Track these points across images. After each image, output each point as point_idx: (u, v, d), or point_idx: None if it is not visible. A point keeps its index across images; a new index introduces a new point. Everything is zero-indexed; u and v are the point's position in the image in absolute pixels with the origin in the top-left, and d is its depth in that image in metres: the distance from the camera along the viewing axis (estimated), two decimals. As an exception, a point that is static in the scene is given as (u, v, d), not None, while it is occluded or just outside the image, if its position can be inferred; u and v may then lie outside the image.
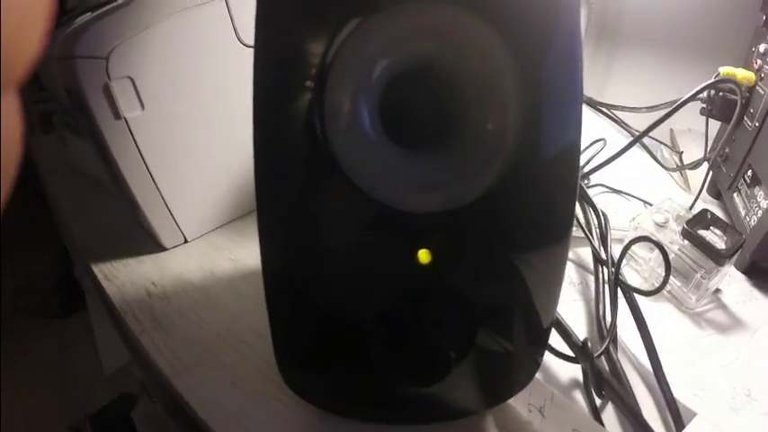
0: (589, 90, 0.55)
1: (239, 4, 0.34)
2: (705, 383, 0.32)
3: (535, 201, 0.22)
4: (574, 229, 0.40)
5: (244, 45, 0.35)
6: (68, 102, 0.36)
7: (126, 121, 0.32)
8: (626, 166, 0.47)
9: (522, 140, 0.20)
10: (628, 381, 0.31)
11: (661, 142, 0.48)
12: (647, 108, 0.44)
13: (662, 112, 0.41)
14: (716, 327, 0.37)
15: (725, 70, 0.42)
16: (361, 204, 0.20)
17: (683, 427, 0.30)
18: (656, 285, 0.33)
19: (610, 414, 0.30)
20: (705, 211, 0.39)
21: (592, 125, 0.50)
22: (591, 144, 0.44)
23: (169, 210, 0.36)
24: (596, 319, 0.34)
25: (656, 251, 0.38)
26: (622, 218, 0.41)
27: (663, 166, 0.46)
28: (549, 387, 0.28)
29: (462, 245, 0.22)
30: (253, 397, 0.28)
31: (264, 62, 0.19)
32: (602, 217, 0.38)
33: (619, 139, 0.40)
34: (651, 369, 0.32)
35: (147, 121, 0.33)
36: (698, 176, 0.43)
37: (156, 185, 0.34)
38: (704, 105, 0.44)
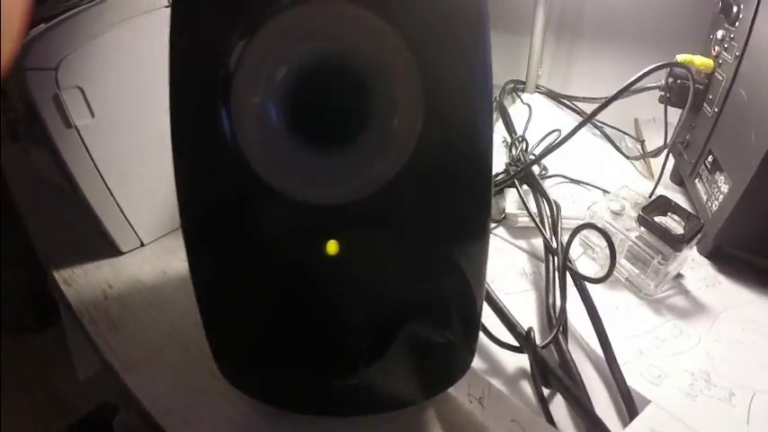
0: (552, 83, 0.55)
1: (184, 11, 0.35)
2: (662, 370, 0.32)
3: (443, 193, 0.22)
4: (526, 219, 0.40)
5: (190, 51, 0.35)
6: (24, 111, 0.37)
7: (77, 130, 0.33)
8: (588, 157, 0.47)
9: (425, 137, 0.20)
10: (577, 370, 0.31)
11: (625, 132, 0.48)
12: (606, 98, 0.43)
13: (622, 102, 0.41)
14: (676, 313, 0.36)
15: (682, 57, 0.42)
16: (272, 199, 0.21)
17: (637, 414, 0.30)
18: (615, 274, 0.32)
19: (560, 404, 0.30)
20: (663, 197, 0.38)
21: (552, 118, 0.50)
22: (546, 135, 0.44)
23: (124, 214, 0.36)
24: (545, 309, 0.33)
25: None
26: (581, 207, 0.41)
27: (624, 155, 0.46)
28: (486, 378, 0.28)
29: (371, 236, 0.22)
30: (196, 393, 0.29)
31: (177, 69, 0.20)
32: (554, 206, 0.38)
33: (582, 131, 0.40)
34: (604, 357, 0.32)
35: (97, 129, 0.34)
36: (661, 165, 0.43)
37: (110, 191, 0.35)
38: (662, 93, 0.44)
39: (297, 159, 0.21)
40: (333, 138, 0.21)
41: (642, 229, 0.37)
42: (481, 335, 0.28)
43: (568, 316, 0.33)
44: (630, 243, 0.37)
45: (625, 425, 0.29)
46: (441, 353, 0.26)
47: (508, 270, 0.38)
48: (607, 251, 0.38)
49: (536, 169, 0.43)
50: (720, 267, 0.40)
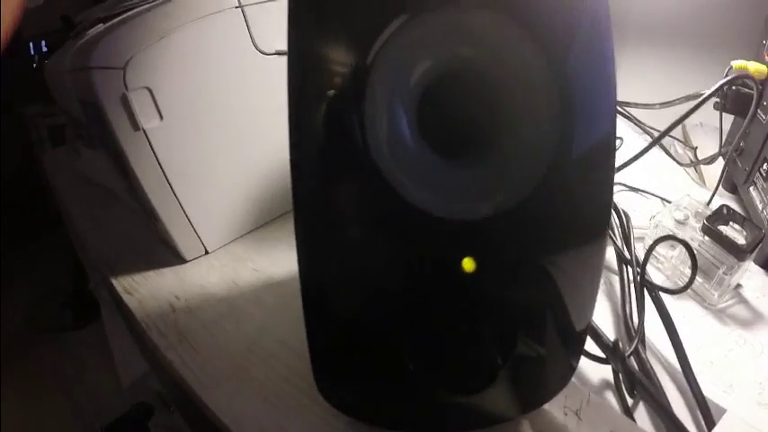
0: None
1: (255, 13, 0.33)
2: (732, 379, 0.32)
3: (572, 204, 0.22)
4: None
5: (260, 53, 0.34)
6: (83, 114, 0.35)
7: (145, 132, 0.32)
8: (641, 164, 0.47)
9: (556, 147, 0.20)
10: (658, 379, 0.31)
11: (674, 137, 0.48)
12: (660, 104, 0.43)
13: (675, 108, 0.41)
14: (739, 322, 0.37)
15: (737, 63, 0.42)
16: (400, 211, 0.20)
17: (714, 423, 0.30)
18: (679, 283, 0.33)
19: (641, 414, 0.30)
20: (723, 206, 0.39)
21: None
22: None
23: (189, 221, 0.35)
24: (623, 320, 0.34)
25: (678, 249, 0.38)
26: (641, 216, 0.41)
27: (678, 162, 0.46)
28: (585, 389, 0.28)
29: (501, 252, 0.22)
30: (286, 411, 0.28)
31: (297, 69, 0.19)
32: (623, 216, 0.38)
33: (633, 136, 0.40)
34: (679, 367, 0.32)
35: (165, 132, 0.32)
36: (713, 171, 0.43)
37: (176, 196, 0.34)
38: (717, 100, 0.44)
39: (427, 169, 0.20)
40: (465, 150, 0.21)
41: (705, 238, 0.37)
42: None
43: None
44: (696, 253, 0.38)
45: (704, 433, 0.29)
46: (544, 368, 0.25)
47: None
48: (674, 261, 0.38)
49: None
50: (776, 277, 0.40)
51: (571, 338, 0.25)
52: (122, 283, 0.36)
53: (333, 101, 0.19)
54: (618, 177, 0.44)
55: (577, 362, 0.26)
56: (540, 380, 0.26)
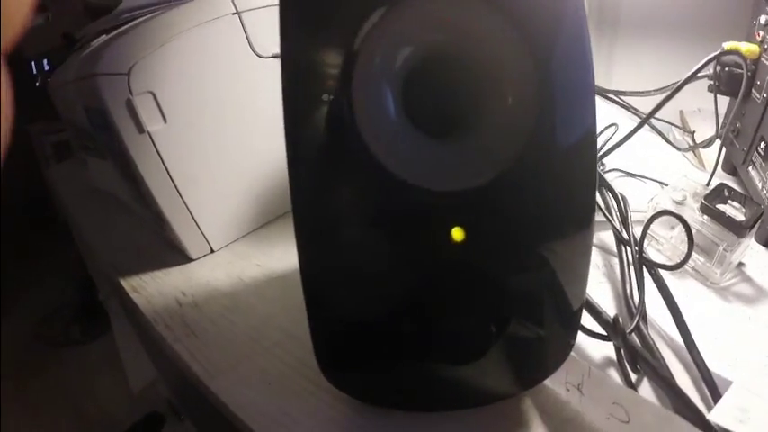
0: (596, 78, 0.56)
1: (252, 17, 0.36)
2: (737, 354, 0.33)
3: (556, 181, 0.23)
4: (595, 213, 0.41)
5: (258, 56, 0.36)
6: (88, 121, 0.37)
7: (150, 135, 0.34)
8: (639, 150, 0.48)
9: (535, 125, 0.21)
10: (661, 355, 0.31)
11: (672, 124, 0.49)
12: (654, 91, 0.45)
13: (666, 93, 0.42)
14: (742, 299, 0.37)
15: (728, 45, 0.43)
16: (389, 187, 0.21)
17: (720, 396, 0.30)
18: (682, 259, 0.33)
19: (645, 389, 0.31)
20: (722, 185, 0.39)
21: (602, 112, 0.50)
22: (604, 129, 0.45)
23: (195, 221, 0.37)
24: (624, 299, 0.34)
25: (677, 228, 0.39)
26: (640, 200, 0.42)
27: (675, 147, 0.47)
28: (585, 363, 0.29)
29: (489, 225, 0.23)
30: (290, 396, 0.29)
31: (291, 62, 0.21)
32: (620, 199, 0.39)
33: (630, 124, 0.41)
34: (683, 343, 0.33)
35: (169, 134, 0.34)
36: (711, 155, 0.44)
37: (182, 197, 0.36)
38: (711, 82, 0.45)
39: (412, 143, 0.22)
40: (448, 126, 0.22)
41: (705, 217, 0.38)
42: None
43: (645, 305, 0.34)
44: (695, 232, 0.38)
45: (708, 406, 0.29)
46: (541, 344, 0.26)
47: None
48: (673, 241, 0.39)
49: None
50: (778, 254, 0.41)
51: (566, 315, 0.26)
52: (130, 283, 0.37)
53: (323, 87, 0.21)
54: (616, 164, 0.45)
55: (575, 337, 0.27)
56: (539, 356, 0.27)
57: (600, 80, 0.56)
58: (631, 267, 0.35)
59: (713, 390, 0.30)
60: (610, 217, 0.37)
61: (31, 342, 0.85)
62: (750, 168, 0.44)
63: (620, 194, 0.39)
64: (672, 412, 0.28)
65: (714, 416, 0.27)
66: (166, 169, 0.35)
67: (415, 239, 0.23)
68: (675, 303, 0.33)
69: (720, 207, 0.38)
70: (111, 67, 0.33)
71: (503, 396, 0.28)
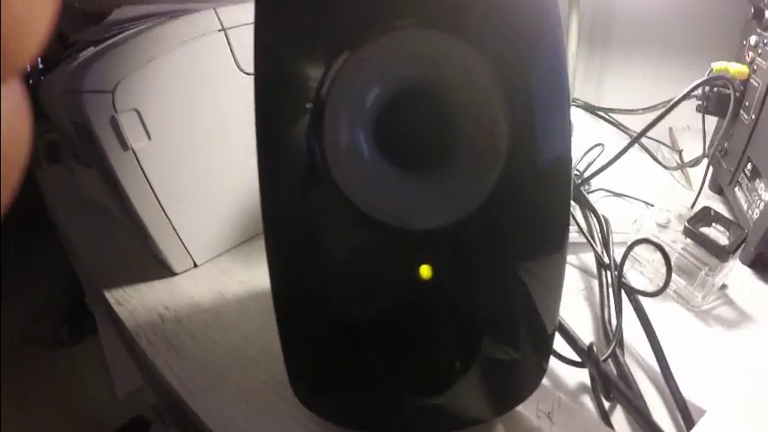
0: (586, 95, 0.57)
1: (237, 35, 0.36)
2: (715, 381, 0.33)
3: (529, 211, 0.23)
4: (576, 235, 0.41)
5: (244, 73, 0.37)
6: (75, 134, 0.38)
7: (134, 152, 0.34)
8: (627, 169, 0.49)
9: (512, 156, 0.22)
10: (635, 382, 0.32)
11: (660, 142, 0.50)
12: (643, 109, 0.45)
13: (658, 113, 0.43)
14: (724, 323, 0.38)
15: (717, 66, 0.43)
16: (362, 224, 0.22)
17: (693, 425, 0.31)
18: (661, 285, 0.34)
19: (619, 417, 0.31)
20: (706, 208, 0.40)
21: (590, 130, 0.51)
22: (589, 150, 0.45)
23: (178, 236, 0.38)
24: (602, 324, 0.35)
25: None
26: (625, 220, 0.42)
27: (663, 166, 0.48)
28: (556, 392, 0.29)
29: (461, 259, 0.23)
30: (265, 415, 0.30)
31: (264, 92, 0.21)
32: (603, 221, 0.39)
33: (618, 142, 0.42)
34: (659, 369, 0.33)
35: (153, 151, 0.35)
36: (699, 174, 0.44)
37: (165, 213, 0.36)
38: (699, 102, 0.45)
39: (385, 185, 0.22)
40: (421, 163, 0.22)
41: (688, 240, 0.39)
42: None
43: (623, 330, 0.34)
44: (677, 255, 0.39)
45: (683, 435, 0.30)
46: (513, 371, 0.27)
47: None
48: (655, 264, 0.40)
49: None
50: (763, 276, 0.41)
51: (539, 341, 0.26)
52: (114, 296, 0.38)
53: (295, 135, 0.21)
54: (602, 183, 0.45)
55: (547, 364, 0.27)
56: (511, 382, 0.27)
57: (590, 97, 0.56)
58: (611, 291, 0.35)
59: (687, 419, 0.31)
60: (591, 240, 0.38)
61: (19, 342, 0.87)
62: (736, 189, 0.44)
63: (603, 216, 0.40)
64: (640, 444, 0.28)
65: (682, 447, 0.28)
66: (150, 185, 0.35)
67: (386, 272, 0.23)
68: (653, 330, 0.34)
69: (704, 230, 0.38)
70: (96, 84, 0.33)
71: (475, 422, 0.28)
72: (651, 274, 0.40)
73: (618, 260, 0.37)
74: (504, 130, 0.22)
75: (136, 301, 0.37)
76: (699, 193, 0.42)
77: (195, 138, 0.37)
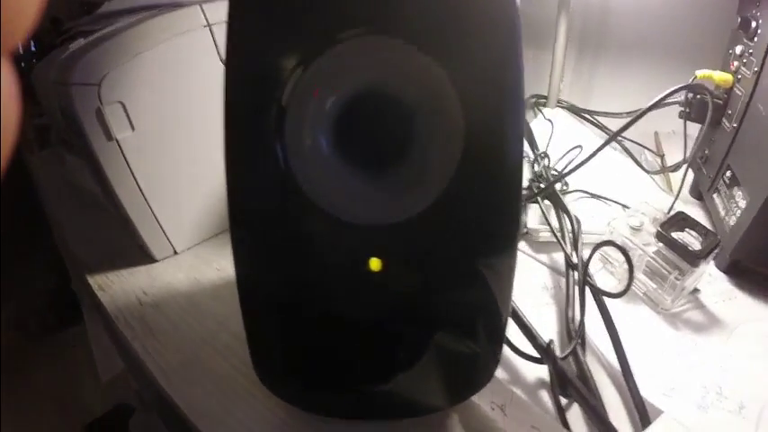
0: (573, 98, 0.59)
1: (222, 30, 0.39)
2: (676, 383, 0.35)
3: (480, 209, 0.25)
4: (548, 234, 0.43)
5: (225, 67, 0.39)
6: (64, 123, 0.41)
7: (117, 143, 0.37)
8: (609, 171, 0.51)
9: (465, 157, 0.24)
10: (594, 381, 0.34)
11: (645, 147, 0.52)
12: (627, 113, 0.47)
13: (643, 117, 0.45)
14: (692, 327, 0.40)
15: (701, 73, 0.45)
16: (321, 218, 0.24)
17: (649, 424, 0.33)
18: (632, 288, 0.36)
19: (576, 414, 0.33)
20: (680, 213, 0.42)
21: (574, 132, 0.53)
22: (568, 151, 0.47)
23: (159, 224, 0.40)
24: (566, 322, 0.37)
25: (630, 253, 0.42)
26: (601, 222, 0.44)
27: (644, 170, 0.50)
28: (510, 387, 0.32)
29: (413, 252, 0.26)
30: (234, 397, 0.32)
31: (233, 87, 0.24)
32: (574, 221, 0.41)
33: (599, 143, 0.44)
34: (620, 369, 0.35)
35: (137, 142, 0.38)
36: (680, 179, 0.46)
37: (147, 202, 0.39)
38: (682, 108, 0.47)
39: (343, 183, 0.25)
40: (377, 163, 0.25)
41: (660, 244, 0.41)
42: (504, 346, 0.32)
43: (587, 329, 0.37)
44: (649, 258, 0.41)
45: (638, 434, 0.32)
46: (467, 362, 0.29)
47: (530, 283, 0.42)
48: (626, 266, 0.42)
49: (557, 185, 0.47)
50: (737, 282, 0.43)
51: (490, 333, 0.29)
52: (97, 281, 0.41)
53: (259, 137, 0.24)
54: (581, 184, 0.48)
55: (499, 355, 0.30)
56: (465, 373, 0.30)
57: (577, 100, 0.58)
58: (576, 291, 0.38)
59: (644, 419, 0.33)
60: (561, 240, 0.40)
61: (5, 328, 0.90)
62: (715, 195, 0.46)
63: (575, 217, 0.42)
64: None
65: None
66: (133, 175, 0.38)
67: (341, 265, 0.26)
68: (615, 329, 0.36)
69: (677, 235, 0.40)
70: (83, 78, 0.36)
71: (433, 409, 0.31)
72: (621, 275, 0.42)
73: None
74: (458, 132, 0.24)
75: (117, 286, 0.40)
76: (676, 197, 0.44)
77: (178, 130, 0.39)
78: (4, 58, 0.08)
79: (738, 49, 0.44)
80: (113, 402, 0.64)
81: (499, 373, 0.35)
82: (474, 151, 0.24)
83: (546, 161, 0.48)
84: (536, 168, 0.48)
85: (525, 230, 0.45)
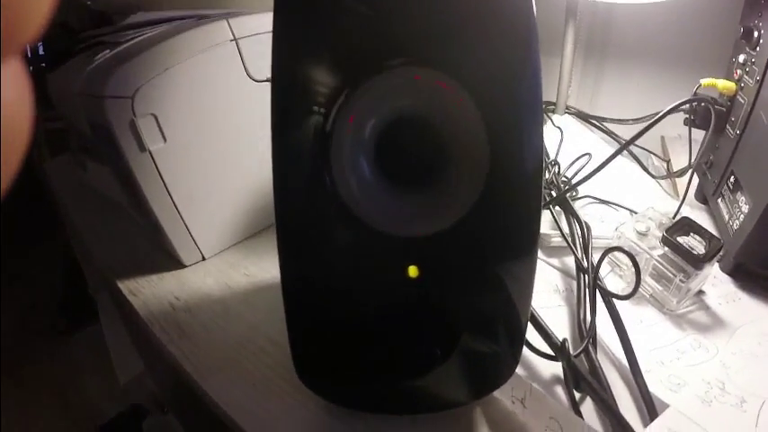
0: (581, 104, 0.63)
1: (248, 44, 0.42)
2: (681, 379, 0.40)
3: (505, 220, 0.30)
4: (559, 239, 0.48)
5: (253, 80, 0.43)
6: (93, 134, 0.44)
7: (150, 153, 0.41)
8: (616, 176, 0.55)
9: (491, 174, 0.28)
10: (605, 377, 0.39)
11: (651, 152, 0.56)
12: (633, 120, 0.51)
13: (648, 123, 0.49)
14: (697, 327, 0.44)
15: (705, 81, 0.49)
16: (362, 230, 0.28)
17: (657, 417, 0.38)
18: (639, 290, 0.40)
19: (588, 408, 0.38)
20: (685, 218, 0.46)
21: (582, 138, 0.57)
22: (577, 158, 0.51)
23: (189, 231, 0.44)
24: (577, 322, 0.41)
25: (638, 257, 0.46)
26: (609, 227, 0.49)
27: (651, 175, 0.54)
28: (528, 381, 0.36)
29: (444, 261, 0.30)
30: (270, 396, 0.36)
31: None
32: (584, 227, 0.46)
33: (609, 150, 0.48)
34: (628, 366, 0.40)
35: (168, 152, 0.41)
36: (686, 183, 0.50)
37: (178, 209, 0.43)
38: (687, 116, 0.51)
39: (382, 199, 0.29)
40: (413, 182, 0.29)
41: (666, 248, 0.45)
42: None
43: (597, 329, 0.41)
44: (655, 262, 0.45)
45: (646, 426, 0.37)
46: (490, 361, 0.33)
47: (543, 286, 0.46)
48: (633, 269, 0.46)
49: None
50: (741, 284, 0.47)
51: (512, 334, 0.33)
52: (127, 286, 0.45)
53: (305, 163, 0.27)
54: (589, 190, 0.52)
55: (520, 354, 0.34)
56: (488, 370, 0.34)
57: (585, 106, 0.62)
58: (587, 293, 0.42)
59: (652, 412, 0.37)
60: (572, 245, 0.44)
61: (17, 331, 0.93)
62: (719, 200, 0.51)
63: (585, 223, 0.46)
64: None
65: (644, 435, 0.34)
66: (165, 184, 0.42)
67: (380, 272, 0.30)
68: (624, 329, 0.41)
69: (682, 239, 0.45)
70: (117, 91, 0.39)
71: (458, 404, 0.35)
72: (629, 278, 0.46)
73: (596, 265, 0.44)
74: (484, 152, 0.28)
75: (148, 292, 0.44)
76: (681, 202, 0.49)
77: (207, 140, 0.43)
78: (16, 59, 0.08)
79: (741, 57, 0.48)
80: (125, 404, 0.68)
81: (518, 369, 0.39)
82: (499, 169, 0.28)
83: (556, 169, 0.52)
84: (546, 176, 0.52)
85: (538, 235, 0.49)
